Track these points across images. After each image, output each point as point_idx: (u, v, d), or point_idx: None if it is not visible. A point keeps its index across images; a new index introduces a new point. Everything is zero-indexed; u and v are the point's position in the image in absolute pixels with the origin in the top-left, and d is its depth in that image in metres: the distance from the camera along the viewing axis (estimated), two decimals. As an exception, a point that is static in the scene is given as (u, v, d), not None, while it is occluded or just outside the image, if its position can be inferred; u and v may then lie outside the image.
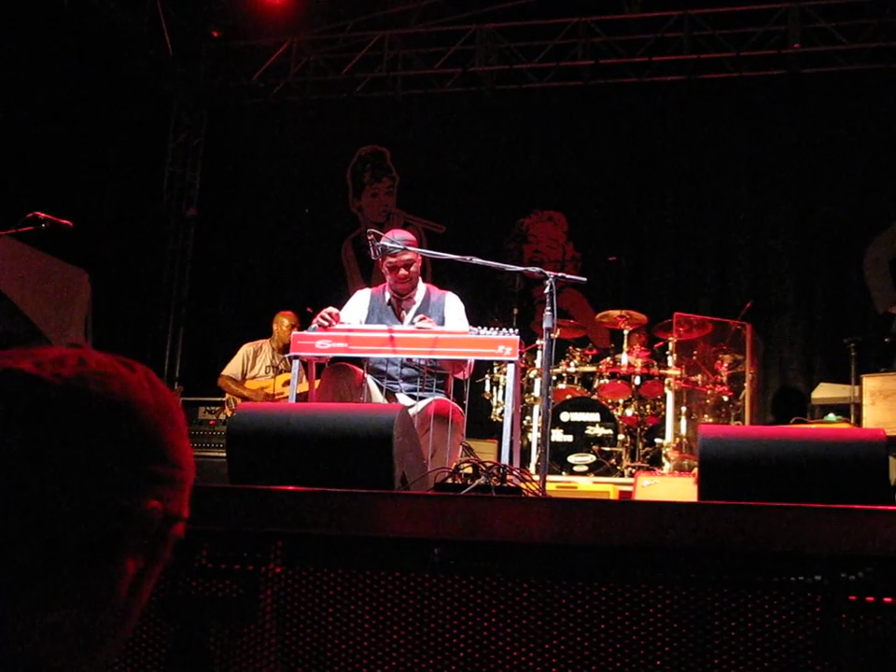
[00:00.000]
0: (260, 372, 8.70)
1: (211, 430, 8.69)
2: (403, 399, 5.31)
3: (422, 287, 5.67)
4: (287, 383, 8.41)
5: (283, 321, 8.86)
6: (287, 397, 8.30)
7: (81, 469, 0.93)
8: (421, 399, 5.21)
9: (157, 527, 1.00)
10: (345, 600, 2.41)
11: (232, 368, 8.78)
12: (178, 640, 2.45)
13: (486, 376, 8.53)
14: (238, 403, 8.58)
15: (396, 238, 5.41)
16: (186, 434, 1.07)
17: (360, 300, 5.68)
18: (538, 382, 8.34)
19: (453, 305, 5.61)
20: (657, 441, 8.44)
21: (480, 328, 4.96)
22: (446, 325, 5.37)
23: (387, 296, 5.61)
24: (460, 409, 5.08)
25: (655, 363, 8.43)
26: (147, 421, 0.98)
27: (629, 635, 2.27)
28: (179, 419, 1.05)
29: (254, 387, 8.62)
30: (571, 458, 8.16)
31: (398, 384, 5.35)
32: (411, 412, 4.78)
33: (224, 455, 8.57)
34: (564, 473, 8.05)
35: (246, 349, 8.85)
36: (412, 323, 5.25)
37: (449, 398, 5.32)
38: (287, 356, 5.64)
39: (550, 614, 2.31)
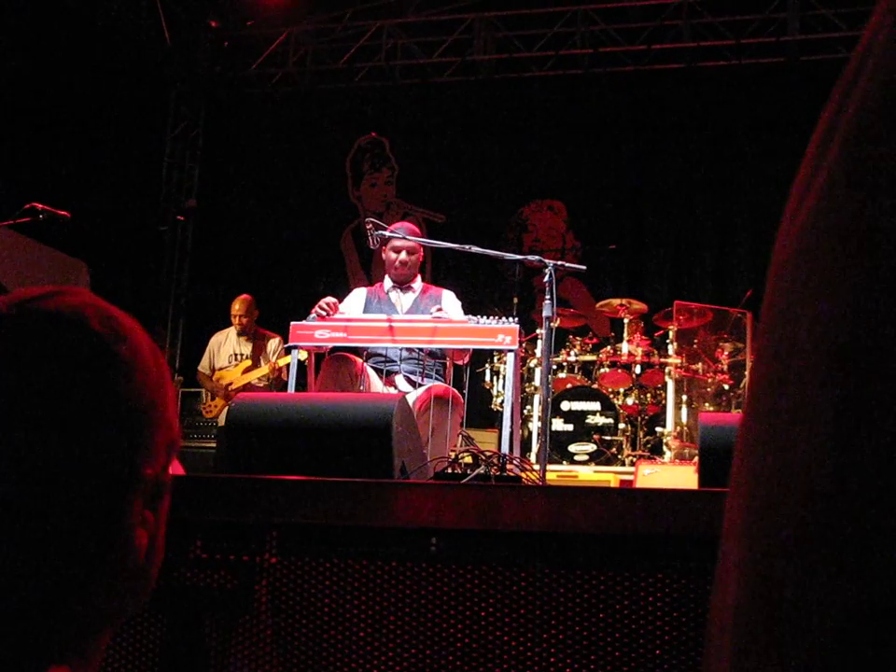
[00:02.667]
0: (225, 363, 8.57)
1: (205, 422, 8.69)
2: (401, 381, 5.32)
3: (420, 283, 5.75)
4: (247, 370, 8.36)
5: (234, 305, 8.64)
6: (245, 385, 8.27)
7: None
8: (420, 385, 5.22)
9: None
10: (342, 590, 2.39)
11: (203, 362, 8.67)
12: (173, 632, 2.44)
13: (486, 365, 8.51)
14: (208, 399, 8.55)
15: (400, 229, 5.65)
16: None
17: (356, 297, 5.74)
18: (538, 371, 8.32)
19: (450, 300, 5.67)
20: (658, 429, 8.43)
21: (479, 316, 4.96)
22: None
23: (386, 286, 5.67)
24: (459, 394, 5.09)
25: (656, 352, 8.41)
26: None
27: (629, 624, 2.25)
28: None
29: (217, 379, 8.49)
30: (572, 447, 8.15)
31: (396, 365, 5.36)
32: (410, 398, 4.78)
33: (209, 445, 8.61)
34: (564, 462, 8.04)
35: (211, 342, 8.72)
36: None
37: (448, 384, 5.34)
38: (286, 345, 5.63)
39: (549, 603, 2.30)
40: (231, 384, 8.33)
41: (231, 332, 8.64)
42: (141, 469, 0.93)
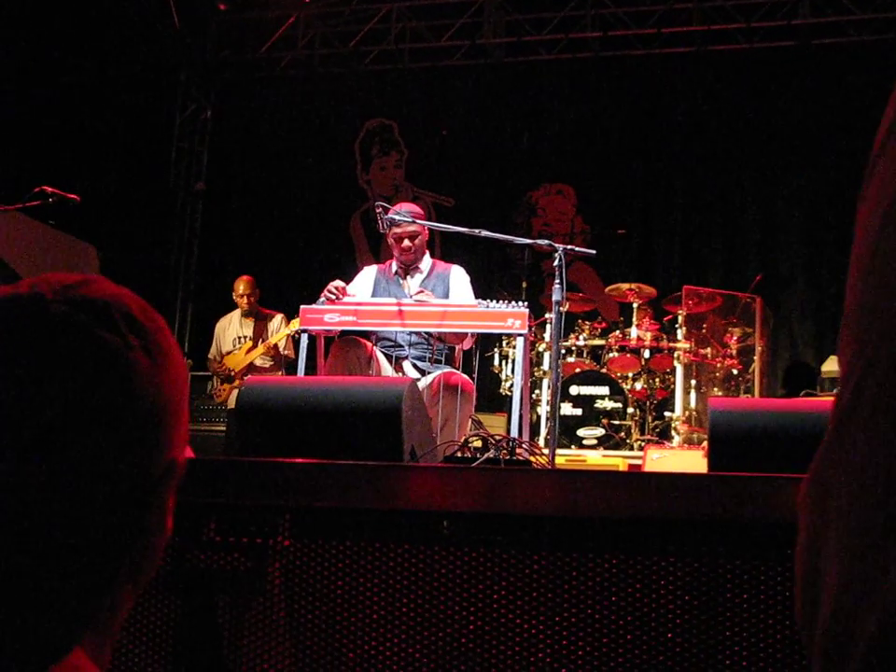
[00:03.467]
0: (230, 346, 8.55)
1: (214, 405, 8.69)
2: (409, 367, 5.32)
3: (428, 260, 5.71)
4: (249, 350, 8.37)
5: (237, 288, 8.61)
6: (247, 367, 8.27)
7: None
8: (428, 373, 5.22)
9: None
10: (354, 573, 2.40)
11: (212, 350, 8.67)
12: (186, 614, 2.45)
13: (495, 350, 8.52)
14: (217, 384, 8.55)
15: (402, 211, 5.53)
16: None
17: (366, 275, 5.71)
18: (547, 355, 8.33)
19: (458, 277, 5.63)
20: (666, 414, 8.43)
21: (489, 301, 4.95)
22: (451, 297, 5.41)
23: (394, 268, 5.64)
24: (470, 381, 5.08)
25: (665, 336, 8.41)
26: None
27: (640, 607, 2.25)
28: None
29: (224, 364, 8.46)
30: (580, 432, 8.15)
31: (404, 350, 5.36)
32: (421, 384, 4.78)
33: (218, 429, 8.61)
34: (573, 447, 8.04)
35: (216, 328, 8.73)
36: (410, 296, 5.26)
37: (457, 369, 5.33)
38: (296, 329, 5.63)
39: (560, 587, 2.30)
40: (233, 368, 8.33)
41: (235, 316, 8.64)
42: (176, 458, 0.95)
